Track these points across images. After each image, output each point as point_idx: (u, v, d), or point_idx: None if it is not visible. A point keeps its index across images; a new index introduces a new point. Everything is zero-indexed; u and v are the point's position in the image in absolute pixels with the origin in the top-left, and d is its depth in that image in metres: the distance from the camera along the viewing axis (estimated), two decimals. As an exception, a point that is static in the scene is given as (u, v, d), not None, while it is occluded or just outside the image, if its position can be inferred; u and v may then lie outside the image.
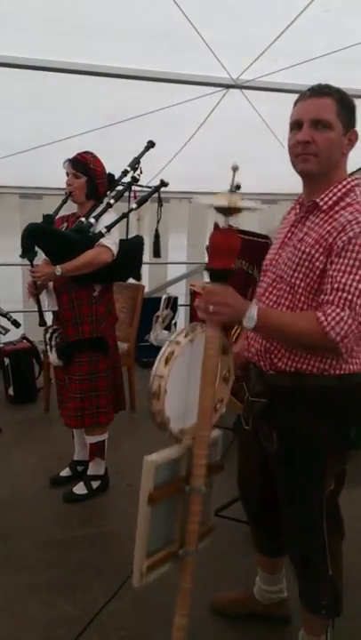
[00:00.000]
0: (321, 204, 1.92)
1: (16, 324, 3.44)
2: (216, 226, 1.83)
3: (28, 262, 3.33)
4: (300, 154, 1.93)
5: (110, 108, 4.38)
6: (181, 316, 6.48)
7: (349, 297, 1.75)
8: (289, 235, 2.03)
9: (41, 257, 3.40)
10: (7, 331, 3.39)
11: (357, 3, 3.45)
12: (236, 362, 2.11)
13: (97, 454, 3.55)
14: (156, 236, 3.71)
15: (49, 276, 3.28)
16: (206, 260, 1.91)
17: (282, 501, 2.13)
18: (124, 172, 3.49)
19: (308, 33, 3.69)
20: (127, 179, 3.51)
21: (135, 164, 3.53)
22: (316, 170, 1.93)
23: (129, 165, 3.51)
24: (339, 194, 1.91)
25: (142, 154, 3.57)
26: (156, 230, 3.65)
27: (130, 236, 3.66)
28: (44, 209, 5.19)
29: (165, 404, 1.88)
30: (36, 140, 4.60)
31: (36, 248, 3.28)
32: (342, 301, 1.76)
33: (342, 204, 1.89)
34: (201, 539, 2.15)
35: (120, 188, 3.49)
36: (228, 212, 1.80)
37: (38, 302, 3.41)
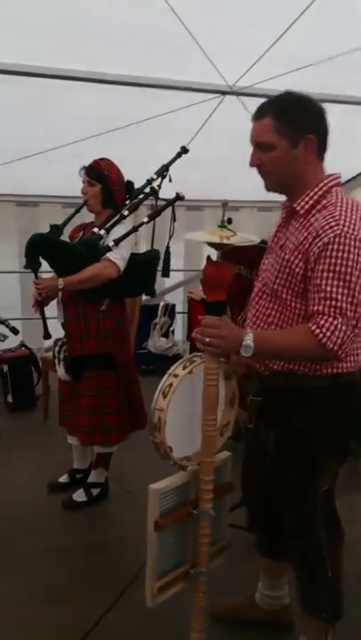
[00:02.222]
0: (298, 208, 1.94)
1: (14, 331, 3.42)
2: (209, 259, 1.88)
3: (33, 273, 3.24)
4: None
5: (107, 114, 4.38)
6: (179, 324, 6.47)
7: (338, 304, 1.77)
8: (275, 240, 2.06)
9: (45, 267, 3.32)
10: (6, 337, 3.37)
11: (353, 9, 3.46)
12: (241, 360, 2.12)
13: (102, 464, 3.52)
14: (167, 254, 3.31)
15: (52, 288, 3.18)
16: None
17: (279, 500, 2.15)
18: (149, 181, 3.25)
19: (305, 39, 3.70)
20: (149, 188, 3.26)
21: (163, 171, 3.23)
22: (273, 187, 2.01)
23: (156, 173, 3.24)
24: (315, 197, 1.92)
25: (173, 160, 3.27)
26: (167, 248, 3.27)
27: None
28: (40, 217, 5.22)
29: (166, 435, 1.92)
30: (32, 148, 4.60)
31: (41, 259, 3.19)
32: (332, 309, 1.78)
33: (319, 207, 1.90)
34: (216, 556, 2.23)
35: (140, 196, 3.28)
36: (220, 246, 1.86)
37: (43, 314, 3.32)
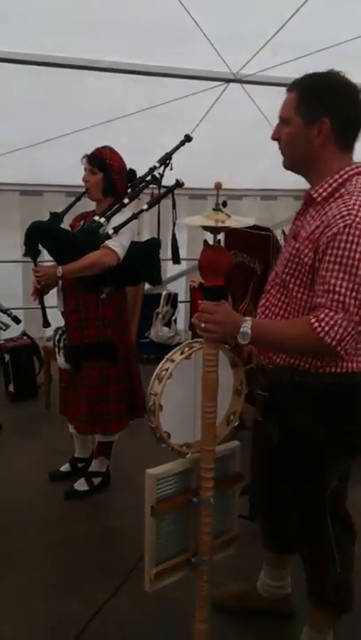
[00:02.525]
0: (315, 196, 1.87)
1: (16, 320, 3.42)
2: (206, 243, 1.84)
3: (32, 261, 3.24)
4: None
5: (110, 103, 4.37)
6: (181, 313, 6.47)
7: (341, 298, 1.69)
8: (293, 227, 2.00)
9: (45, 256, 3.32)
10: (7, 327, 3.37)
11: (358, -4, 3.44)
12: (253, 352, 2.10)
13: (103, 453, 3.52)
14: (174, 241, 3.32)
15: (50, 276, 3.16)
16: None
17: (286, 497, 2.13)
18: (152, 169, 3.24)
19: (309, 26, 3.68)
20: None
21: (166, 159, 3.21)
22: (287, 164, 1.96)
23: (159, 161, 3.22)
24: (334, 184, 1.84)
25: (176, 149, 3.24)
26: (173, 235, 3.28)
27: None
28: (44, 206, 5.20)
29: (162, 420, 1.91)
30: (35, 137, 4.58)
31: (40, 247, 3.19)
32: (334, 304, 1.70)
33: (336, 195, 1.83)
34: (225, 547, 2.22)
35: (140, 185, 3.28)
36: (216, 230, 1.82)
37: (42, 303, 3.32)
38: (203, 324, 1.83)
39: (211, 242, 1.84)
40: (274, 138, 1.96)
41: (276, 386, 1.98)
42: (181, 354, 1.94)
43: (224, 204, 1.81)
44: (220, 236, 1.86)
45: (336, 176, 1.84)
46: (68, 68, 3.97)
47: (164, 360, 1.94)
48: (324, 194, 1.85)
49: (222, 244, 1.88)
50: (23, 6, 3.40)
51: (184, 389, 1.96)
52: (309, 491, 2.03)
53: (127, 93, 4.27)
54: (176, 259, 3.32)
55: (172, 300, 6.19)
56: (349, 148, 1.91)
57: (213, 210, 1.80)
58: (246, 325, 1.78)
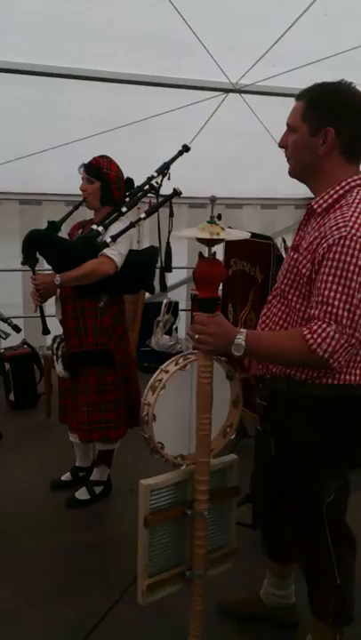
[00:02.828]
0: (315, 207, 1.87)
1: (17, 329, 3.42)
2: (200, 255, 1.84)
3: (30, 269, 3.24)
4: None
5: (110, 113, 4.38)
6: (182, 321, 6.48)
7: (334, 310, 1.69)
8: (296, 239, 1.98)
9: (43, 264, 3.34)
10: (8, 335, 3.37)
11: (356, 6, 3.46)
12: (250, 367, 2.11)
13: (104, 461, 3.52)
14: (168, 250, 3.31)
15: (48, 284, 3.17)
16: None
17: (284, 508, 2.13)
18: (150, 178, 3.26)
19: (308, 36, 3.70)
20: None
21: (164, 169, 3.24)
22: (292, 172, 1.96)
23: (156, 171, 3.25)
24: (335, 196, 1.83)
25: (174, 159, 3.26)
26: (168, 244, 3.27)
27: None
28: (43, 215, 5.22)
29: (155, 431, 1.91)
30: (35, 146, 4.60)
31: (38, 255, 3.19)
32: (328, 315, 1.69)
33: (336, 206, 1.82)
34: (221, 562, 2.19)
35: (138, 194, 3.29)
36: (210, 242, 1.81)
37: (41, 311, 3.32)
38: (197, 336, 1.82)
39: (206, 254, 1.84)
40: (281, 145, 1.96)
41: (274, 395, 1.98)
42: (176, 365, 1.95)
43: (219, 217, 1.80)
44: (219, 247, 1.85)
45: (337, 187, 1.84)
46: (67, 78, 3.98)
47: (159, 371, 1.95)
48: (325, 205, 1.85)
49: (222, 252, 1.89)
50: (24, 17, 3.42)
51: (179, 401, 1.96)
52: (306, 502, 2.02)
53: (127, 103, 4.29)
54: (168, 267, 3.32)
55: (173, 308, 6.20)
56: (357, 159, 1.90)
57: (208, 222, 1.79)
58: (240, 337, 1.78)
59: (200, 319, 1.84)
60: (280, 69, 3.98)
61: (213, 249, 1.84)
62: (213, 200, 1.80)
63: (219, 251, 1.88)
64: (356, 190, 1.82)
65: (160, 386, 1.90)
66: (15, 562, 2.94)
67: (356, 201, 1.78)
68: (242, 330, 1.82)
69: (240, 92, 4.45)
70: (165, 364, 1.97)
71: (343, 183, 1.84)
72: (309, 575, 2.15)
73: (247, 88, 4.42)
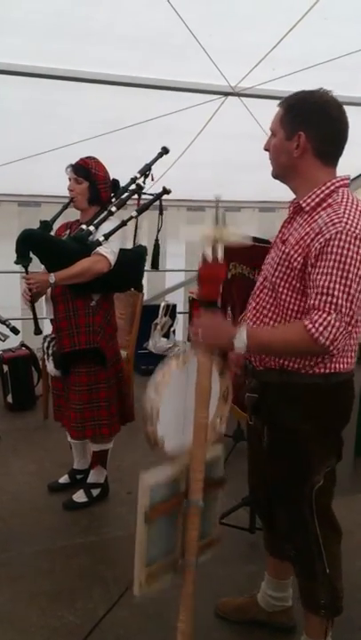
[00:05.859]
0: (304, 205, 2.00)
1: (15, 330, 3.41)
2: (204, 257, 1.95)
3: (23, 269, 3.24)
4: None
5: (109, 115, 4.38)
6: (180, 324, 6.48)
7: (334, 300, 1.81)
8: (280, 235, 2.11)
9: (37, 264, 3.34)
10: (6, 337, 3.37)
11: (356, 10, 3.46)
12: (238, 361, 2.16)
13: (100, 462, 3.53)
14: (156, 247, 3.54)
15: (43, 283, 3.17)
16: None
17: (274, 495, 2.19)
18: (133, 179, 3.38)
19: (307, 40, 3.70)
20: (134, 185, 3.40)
21: (146, 170, 3.42)
22: (273, 174, 2.11)
23: (139, 172, 3.41)
24: (322, 195, 1.97)
25: (155, 160, 3.45)
26: (156, 240, 3.47)
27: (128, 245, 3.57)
28: (42, 217, 5.19)
29: (158, 427, 1.94)
30: (34, 148, 4.60)
31: (32, 255, 3.19)
32: (328, 305, 1.81)
33: (324, 204, 1.95)
34: (204, 550, 2.20)
35: (125, 194, 3.39)
36: (224, 245, 1.94)
37: (34, 310, 3.33)
38: (199, 333, 1.94)
39: (208, 254, 1.94)
40: (265, 148, 2.10)
41: (266, 386, 2.08)
42: (177, 360, 2.01)
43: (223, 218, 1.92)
44: (218, 249, 1.94)
45: (323, 187, 1.98)
46: (65, 80, 3.98)
47: (161, 366, 1.99)
48: (312, 203, 1.97)
49: (221, 255, 1.95)
50: (20, 18, 3.41)
51: (175, 397, 2.01)
52: (295, 487, 2.09)
53: (125, 106, 4.29)
54: (155, 264, 3.50)
55: (171, 310, 6.20)
56: (332, 161, 2.03)
57: (216, 226, 1.92)
58: (242, 335, 1.88)
59: (203, 317, 1.96)
60: (280, 73, 3.97)
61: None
62: (218, 200, 1.95)
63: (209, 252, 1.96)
64: (340, 190, 1.97)
65: (163, 382, 1.94)
66: (12, 564, 2.94)
67: (345, 200, 1.92)
68: (241, 327, 1.92)
69: (239, 95, 4.45)
70: (166, 360, 2.03)
71: (328, 184, 1.98)
72: (298, 565, 2.21)
73: (246, 91, 4.41)
